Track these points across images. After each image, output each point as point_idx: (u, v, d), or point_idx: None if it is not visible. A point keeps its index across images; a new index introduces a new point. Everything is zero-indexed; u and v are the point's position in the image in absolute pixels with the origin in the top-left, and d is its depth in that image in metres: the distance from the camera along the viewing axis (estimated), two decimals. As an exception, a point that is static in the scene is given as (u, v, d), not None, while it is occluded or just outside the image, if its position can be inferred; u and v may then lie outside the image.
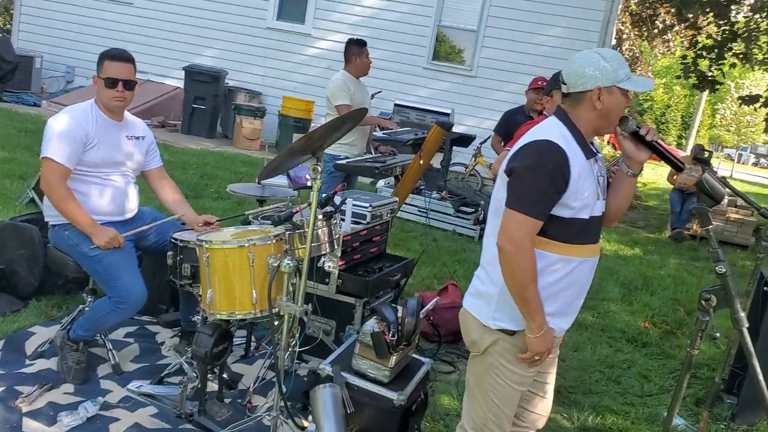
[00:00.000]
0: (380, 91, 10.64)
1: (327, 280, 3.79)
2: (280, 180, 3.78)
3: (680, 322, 5.91)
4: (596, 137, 2.41)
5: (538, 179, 2.17)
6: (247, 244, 2.98)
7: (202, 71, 11.93)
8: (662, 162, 2.32)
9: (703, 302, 2.20)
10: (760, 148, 35.64)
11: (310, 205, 2.87)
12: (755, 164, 41.02)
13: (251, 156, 10.51)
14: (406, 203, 6.90)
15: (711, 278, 7.75)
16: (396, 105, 10.99)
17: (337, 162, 5.27)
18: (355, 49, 5.71)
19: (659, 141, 2.31)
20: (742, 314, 2.10)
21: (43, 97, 12.81)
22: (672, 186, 10.59)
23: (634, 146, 2.34)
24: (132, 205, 3.67)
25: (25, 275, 4.03)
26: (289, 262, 2.91)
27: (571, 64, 2.30)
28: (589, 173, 2.27)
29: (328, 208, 3.20)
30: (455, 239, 7.50)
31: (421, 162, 5.27)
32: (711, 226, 2.00)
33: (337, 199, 3.35)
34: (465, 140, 8.34)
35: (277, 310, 2.96)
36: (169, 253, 3.41)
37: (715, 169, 1.83)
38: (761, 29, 10.94)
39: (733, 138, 37.53)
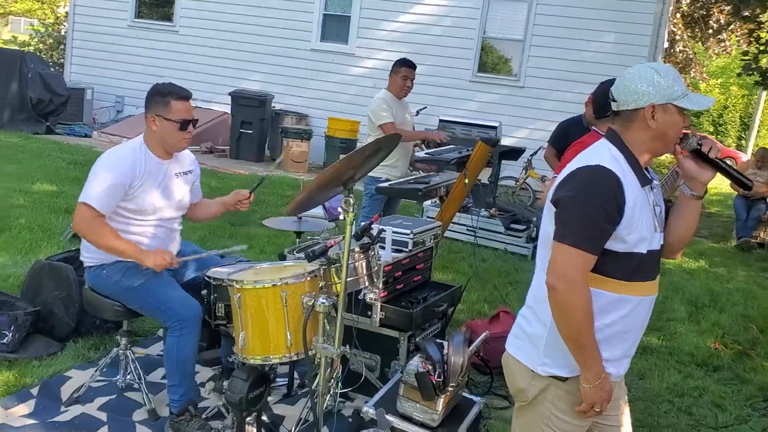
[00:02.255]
0: (425, 107, 10.46)
1: (369, 312, 3.58)
2: (317, 211, 3.62)
3: (754, 341, 5.50)
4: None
5: (589, 209, 1.95)
6: (279, 283, 2.80)
7: (248, 96, 11.97)
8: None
9: None
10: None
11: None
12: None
13: (298, 179, 10.44)
14: (453, 222, 6.67)
15: (784, 291, 7.27)
16: (441, 120, 10.76)
17: (379, 185, 5.09)
18: (394, 67, 5.54)
19: (724, 157, 2.06)
20: None
21: (94, 127, 13.04)
22: (735, 192, 10.05)
23: (696, 165, 2.11)
24: (174, 251, 3.50)
25: (62, 316, 3.95)
26: (324, 300, 2.73)
27: (621, 80, 2.08)
28: (644, 202, 2.03)
29: (365, 240, 3.01)
30: (506, 259, 7.20)
31: (467, 181, 5.04)
32: None
33: (375, 229, 3.15)
34: (514, 153, 8.05)
35: (313, 352, 2.77)
36: (203, 291, 3.27)
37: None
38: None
39: (798, 137, 35.98)
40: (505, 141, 11.01)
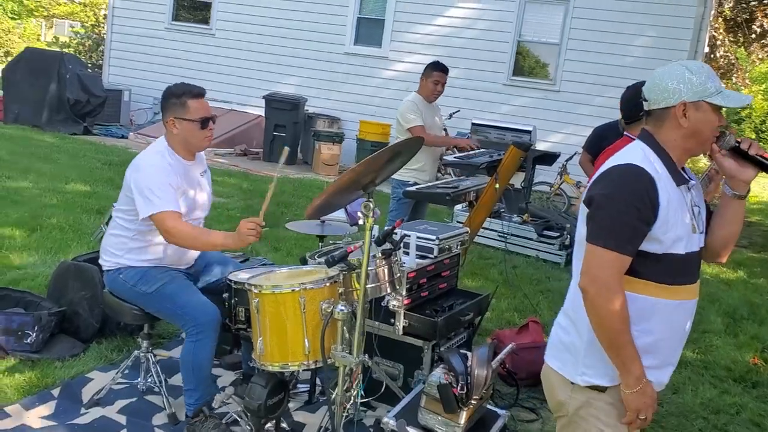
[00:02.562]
0: (458, 110, 10.38)
1: (392, 320, 3.50)
2: (340, 215, 3.56)
3: (796, 356, 5.28)
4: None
5: (622, 208, 1.89)
6: (298, 288, 2.74)
7: (281, 99, 12.01)
8: (766, 174, 1.96)
9: None
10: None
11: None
12: None
13: (329, 181, 10.41)
14: (483, 227, 6.56)
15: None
16: (474, 124, 10.65)
17: (407, 189, 5.00)
18: (426, 70, 5.45)
19: (765, 154, 1.97)
20: None
21: (131, 129, 13.21)
22: (779, 201, 9.74)
23: (736, 164, 2.01)
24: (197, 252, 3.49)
25: (87, 317, 3.95)
26: (343, 307, 2.66)
27: (652, 78, 2.02)
28: (681, 202, 1.96)
29: (387, 245, 2.93)
30: (538, 266, 7.05)
31: (497, 186, 4.93)
32: None
33: (398, 234, 3.07)
34: (548, 158, 7.91)
35: (331, 360, 2.71)
36: (225, 294, 3.23)
37: None
38: None
39: None
40: (540, 146, 10.86)
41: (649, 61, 10.74)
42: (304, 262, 3.45)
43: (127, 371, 3.56)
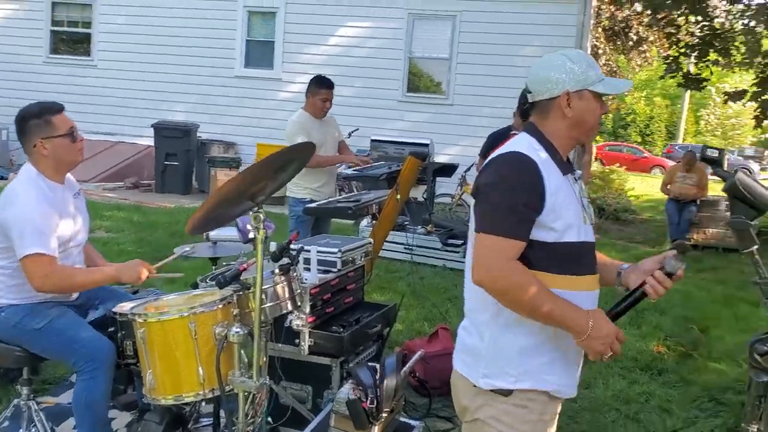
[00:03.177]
0: (357, 129, 10.32)
1: (297, 340, 3.32)
2: (232, 233, 3.36)
3: (695, 342, 5.46)
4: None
5: (508, 193, 1.83)
6: (187, 313, 2.53)
7: (171, 127, 11.66)
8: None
9: (758, 357, 1.54)
10: (747, 150, 35.48)
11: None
12: (743, 167, 40.78)
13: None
14: (388, 241, 6.48)
15: (720, 290, 7.33)
16: (372, 141, 10.64)
17: (308, 206, 4.86)
18: (311, 87, 5.28)
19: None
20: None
21: (11, 169, 12.42)
22: (666, 196, 10.20)
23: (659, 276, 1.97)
24: None
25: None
26: (238, 329, 2.48)
27: (534, 70, 1.98)
28: (569, 191, 1.92)
29: (284, 260, 2.77)
30: (445, 275, 7.04)
31: (398, 197, 4.86)
32: (756, 247, 1.47)
33: (295, 248, 2.91)
34: (448, 169, 7.99)
35: (230, 387, 2.51)
36: (110, 329, 2.98)
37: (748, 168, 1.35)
38: (736, 30, 10.73)
39: (720, 143, 37.43)
40: (438, 158, 10.96)
41: (536, 70, 11.06)
42: (195, 287, 3.22)
43: (6, 423, 3.21)
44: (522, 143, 1.94)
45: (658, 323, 5.87)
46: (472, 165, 10.07)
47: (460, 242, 7.47)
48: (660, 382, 4.59)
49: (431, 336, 4.33)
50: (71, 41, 13.89)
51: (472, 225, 1.96)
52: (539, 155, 1.89)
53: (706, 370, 4.86)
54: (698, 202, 9.85)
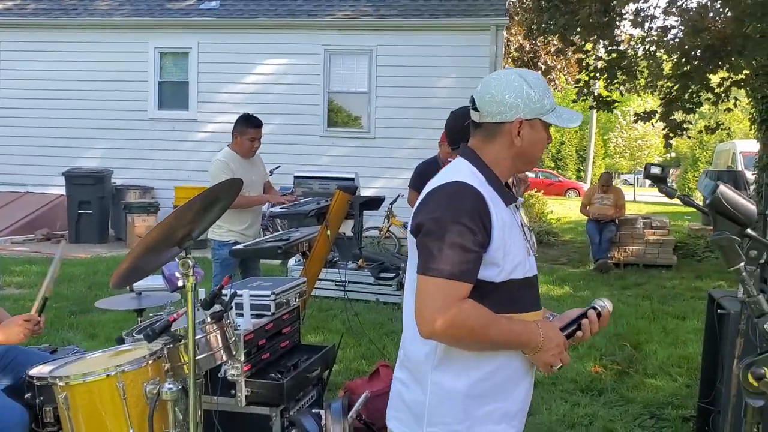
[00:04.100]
0: (278, 166, 10.16)
1: (233, 391, 3.14)
2: (158, 282, 3.16)
3: (630, 359, 5.52)
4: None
5: (453, 230, 1.65)
6: (114, 372, 2.33)
7: (83, 174, 11.23)
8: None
9: (753, 380, 1.38)
10: (654, 169, 37.11)
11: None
12: (652, 185, 42.52)
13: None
14: (320, 279, 6.34)
15: (646, 305, 7.49)
16: (296, 177, 10.53)
17: (234, 248, 4.67)
18: (237, 126, 5.09)
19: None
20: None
21: None
22: (586, 217, 10.46)
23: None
24: None
25: None
26: (171, 386, 2.29)
27: (486, 86, 1.81)
28: (513, 222, 1.79)
29: (216, 308, 2.59)
30: (380, 309, 6.93)
31: (329, 233, 4.75)
32: (742, 263, 1.39)
33: (227, 294, 2.74)
34: (374, 203, 7.92)
35: (165, 449, 2.31)
36: (27, 395, 2.71)
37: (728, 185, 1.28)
38: (638, 55, 11.23)
39: (629, 164, 39.01)
40: (364, 192, 10.93)
41: (454, 101, 11.06)
42: (120, 342, 3.00)
43: None
44: (462, 171, 1.78)
45: (592, 342, 5.91)
46: (397, 197, 10.08)
47: (392, 275, 7.40)
48: (601, 402, 4.59)
49: (372, 374, 4.19)
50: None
51: (411, 267, 1.80)
52: (482, 185, 1.75)
53: (643, 386, 4.90)
54: (617, 221, 10.14)
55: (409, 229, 1.80)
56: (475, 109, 1.83)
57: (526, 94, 1.77)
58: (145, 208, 10.99)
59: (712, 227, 1.39)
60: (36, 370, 2.74)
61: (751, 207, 1.30)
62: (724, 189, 1.31)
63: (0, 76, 12.77)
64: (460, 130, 3.64)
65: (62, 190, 11.50)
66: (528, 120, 1.78)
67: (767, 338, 1.44)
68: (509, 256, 1.73)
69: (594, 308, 1.87)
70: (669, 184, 2.06)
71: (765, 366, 1.37)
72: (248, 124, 5.04)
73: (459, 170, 1.79)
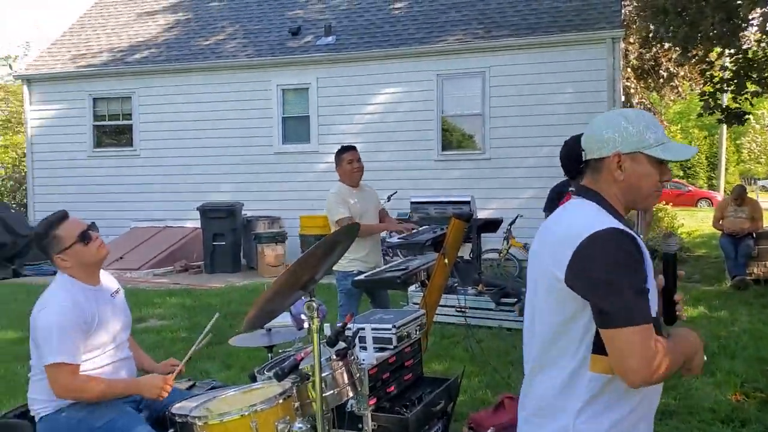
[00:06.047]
0: (395, 192, 10.35)
1: (360, 425, 3.22)
2: (286, 319, 3.32)
3: (775, 385, 5.15)
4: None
5: (631, 277, 1.70)
6: (247, 412, 2.47)
7: (216, 207, 11.86)
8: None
9: None
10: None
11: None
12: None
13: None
14: (440, 305, 6.38)
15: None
16: (412, 203, 10.64)
17: (355, 279, 4.81)
18: (335, 159, 5.35)
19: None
20: None
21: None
22: (720, 231, 9.89)
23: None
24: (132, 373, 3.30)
25: (21, 480, 3.51)
26: (301, 425, 2.40)
27: (590, 127, 1.90)
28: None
29: (340, 345, 2.70)
30: (503, 336, 6.83)
31: (446, 261, 4.78)
32: None
33: (351, 330, 2.84)
34: (492, 225, 7.85)
35: (297, 486, 2.42)
36: (170, 431, 2.91)
37: None
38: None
39: (765, 169, 36.56)
40: (481, 214, 10.89)
41: (572, 116, 11.01)
42: (253, 379, 3.17)
43: None
44: (600, 215, 1.80)
45: (731, 368, 5.58)
46: (516, 217, 9.98)
47: (513, 300, 7.29)
48: (744, 434, 4.33)
49: (497, 406, 4.17)
50: (114, 133, 14.33)
51: (552, 317, 1.81)
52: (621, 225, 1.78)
53: (791, 416, 4.57)
54: (754, 235, 9.52)
55: (554, 279, 1.78)
56: (582, 149, 1.90)
57: (624, 128, 1.82)
58: (274, 238, 11.48)
59: None
60: (177, 408, 2.94)
61: None
62: None
63: (138, 120, 13.81)
64: (571, 161, 3.61)
65: (197, 224, 12.22)
66: (628, 154, 1.81)
67: None
68: (652, 290, 1.76)
69: (666, 257, 1.95)
70: None
71: None
72: (342, 151, 5.34)
73: (596, 215, 1.81)
